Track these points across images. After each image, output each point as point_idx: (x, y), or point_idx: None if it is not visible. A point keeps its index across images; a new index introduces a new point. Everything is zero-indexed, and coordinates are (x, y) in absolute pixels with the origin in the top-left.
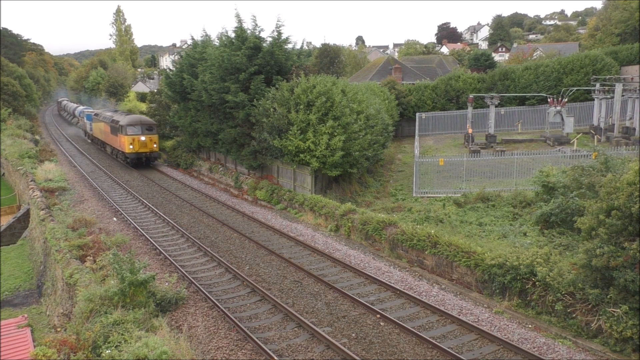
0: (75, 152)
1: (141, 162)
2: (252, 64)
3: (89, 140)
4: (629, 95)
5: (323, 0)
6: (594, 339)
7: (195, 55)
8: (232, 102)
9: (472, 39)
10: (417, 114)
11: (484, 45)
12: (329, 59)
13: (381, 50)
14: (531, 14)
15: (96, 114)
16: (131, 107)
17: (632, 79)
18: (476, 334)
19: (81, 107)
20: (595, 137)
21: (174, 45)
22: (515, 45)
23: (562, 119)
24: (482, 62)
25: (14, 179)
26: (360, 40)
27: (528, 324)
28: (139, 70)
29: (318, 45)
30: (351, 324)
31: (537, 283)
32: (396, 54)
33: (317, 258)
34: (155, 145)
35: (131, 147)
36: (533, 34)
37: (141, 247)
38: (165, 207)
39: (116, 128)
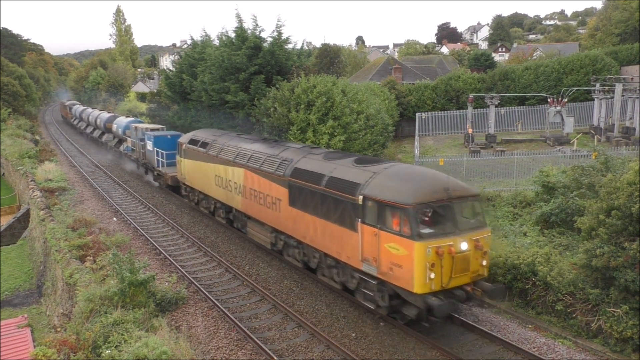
0: (75, 152)
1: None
2: (253, 63)
3: (157, 183)
4: (629, 95)
5: (323, 0)
6: (594, 339)
7: (195, 56)
8: (232, 102)
9: (472, 39)
10: (417, 114)
11: (484, 45)
12: (329, 59)
13: (381, 50)
14: (531, 14)
15: (200, 142)
16: (131, 107)
17: (632, 79)
18: (476, 334)
19: (125, 120)
20: (595, 137)
21: (174, 45)
22: (515, 45)
23: (562, 119)
24: (482, 62)
25: (14, 179)
26: (360, 40)
27: (528, 324)
28: (139, 70)
29: (318, 45)
30: (351, 323)
31: (537, 283)
32: (396, 54)
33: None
34: (484, 263)
35: (432, 275)
36: (533, 34)
37: (141, 247)
38: (165, 207)
39: (342, 203)
